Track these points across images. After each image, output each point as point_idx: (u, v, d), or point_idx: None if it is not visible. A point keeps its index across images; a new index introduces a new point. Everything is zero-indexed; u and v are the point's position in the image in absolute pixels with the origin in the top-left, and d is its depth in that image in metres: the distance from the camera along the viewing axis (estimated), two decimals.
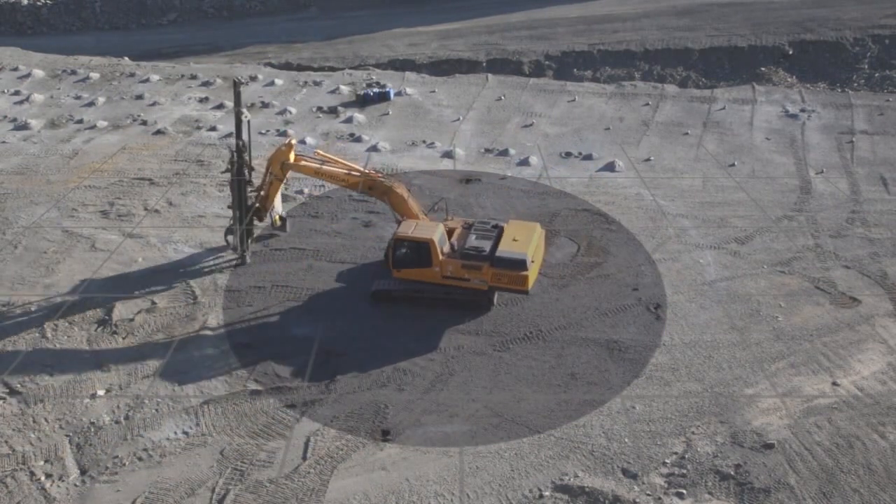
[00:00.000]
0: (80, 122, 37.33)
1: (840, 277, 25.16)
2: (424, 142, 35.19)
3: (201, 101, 39.82)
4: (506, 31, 49.79)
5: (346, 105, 39.21)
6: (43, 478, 17.77)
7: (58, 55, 46.50)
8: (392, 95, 39.78)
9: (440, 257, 22.82)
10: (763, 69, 44.91)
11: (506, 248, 22.61)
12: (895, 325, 22.92)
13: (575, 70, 45.74)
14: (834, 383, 20.61)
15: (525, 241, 22.98)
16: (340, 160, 25.90)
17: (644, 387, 20.45)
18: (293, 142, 25.51)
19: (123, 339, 22.32)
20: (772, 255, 26.35)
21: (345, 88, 41.12)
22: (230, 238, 26.13)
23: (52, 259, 25.95)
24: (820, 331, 22.66)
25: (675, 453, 18.35)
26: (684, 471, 17.88)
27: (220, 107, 38.88)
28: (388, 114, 38.26)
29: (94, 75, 43.18)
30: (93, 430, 19.09)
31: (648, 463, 18.08)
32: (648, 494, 17.28)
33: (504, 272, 22.36)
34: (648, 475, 17.76)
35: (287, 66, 46.20)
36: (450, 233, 23.93)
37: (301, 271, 25.39)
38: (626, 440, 18.71)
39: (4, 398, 20.05)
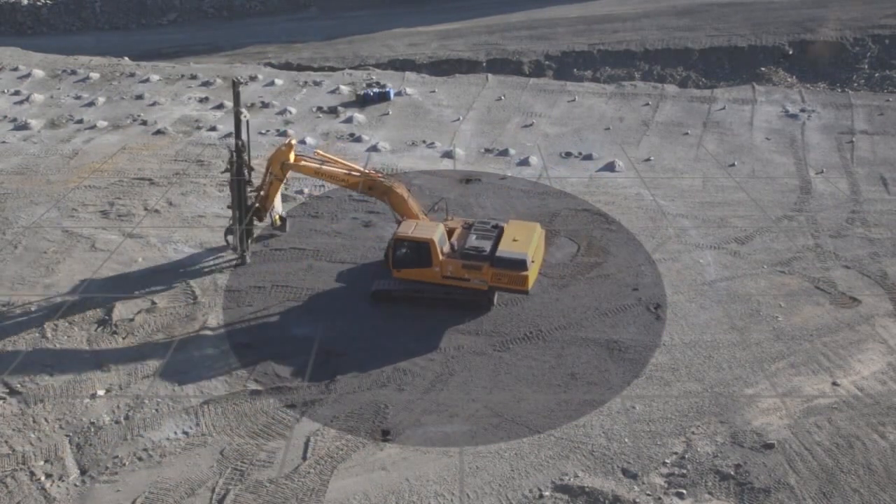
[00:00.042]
0: (80, 122, 37.33)
1: (840, 277, 25.16)
2: (424, 142, 35.19)
3: (201, 101, 39.82)
4: (506, 31, 49.80)
5: (346, 105, 39.21)
6: (43, 478, 17.77)
7: (58, 55, 46.51)
8: (392, 95, 39.78)
9: (440, 257, 22.82)
10: (763, 69, 44.92)
11: (506, 248, 22.61)
12: (895, 325, 22.92)
13: (575, 70, 45.74)
14: (834, 383, 20.61)
15: (525, 241, 22.98)
16: (340, 160, 25.90)
17: (644, 387, 20.45)
18: (293, 142, 25.51)
19: (123, 339, 22.32)
20: (772, 255, 26.35)
21: (345, 88, 41.12)
22: (230, 238, 26.13)
23: (52, 259, 25.95)
24: (820, 331, 22.66)
25: (675, 453, 18.35)
26: (684, 471, 17.88)
27: (220, 107, 38.89)
28: (388, 114, 38.26)
29: (94, 75, 43.19)
30: (93, 430, 19.09)
31: (648, 463, 18.08)
32: (648, 494, 17.28)
33: (504, 272, 22.36)
34: (648, 475, 17.76)
35: (287, 66, 46.21)
36: (450, 233, 23.93)
37: (301, 271, 25.39)
38: (626, 440, 18.72)
39: (4, 398, 20.04)
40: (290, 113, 38.27)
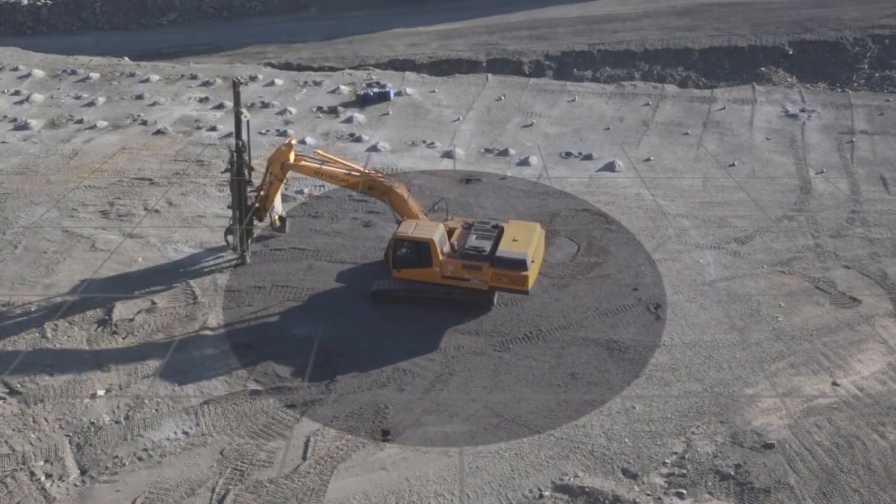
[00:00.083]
0: (80, 122, 37.34)
1: (840, 277, 25.16)
2: (424, 142, 35.19)
3: (201, 101, 39.83)
4: (506, 31, 49.80)
5: (346, 105, 39.21)
6: (43, 478, 17.77)
7: (58, 55, 46.51)
8: (392, 95, 39.78)
9: (440, 257, 22.82)
10: (763, 69, 44.91)
11: (506, 248, 22.61)
12: (895, 325, 22.92)
13: (575, 70, 45.74)
14: (834, 383, 20.61)
15: (525, 241, 22.98)
16: (340, 160, 25.90)
17: (644, 387, 20.45)
18: (293, 142, 25.51)
19: (123, 339, 22.32)
20: (772, 255, 26.35)
21: (345, 88, 41.12)
22: (230, 238, 26.13)
23: (52, 259, 25.95)
24: (820, 331, 22.66)
25: (675, 453, 18.35)
26: (684, 471, 17.88)
27: (220, 107, 38.89)
28: (388, 114, 38.26)
29: (94, 75, 43.19)
30: (93, 430, 19.09)
31: (648, 463, 18.08)
32: (648, 494, 17.28)
33: (504, 272, 22.36)
34: (648, 475, 17.76)
35: (287, 66, 46.21)
36: (450, 233, 23.93)
37: (301, 271, 25.39)
38: (626, 440, 18.72)
39: (4, 398, 20.05)
40: (290, 113, 38.27)
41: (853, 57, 45.51)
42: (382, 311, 23.55)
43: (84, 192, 30.45)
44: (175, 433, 19.00)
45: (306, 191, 30.33)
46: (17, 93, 40.97)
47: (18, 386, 20.44)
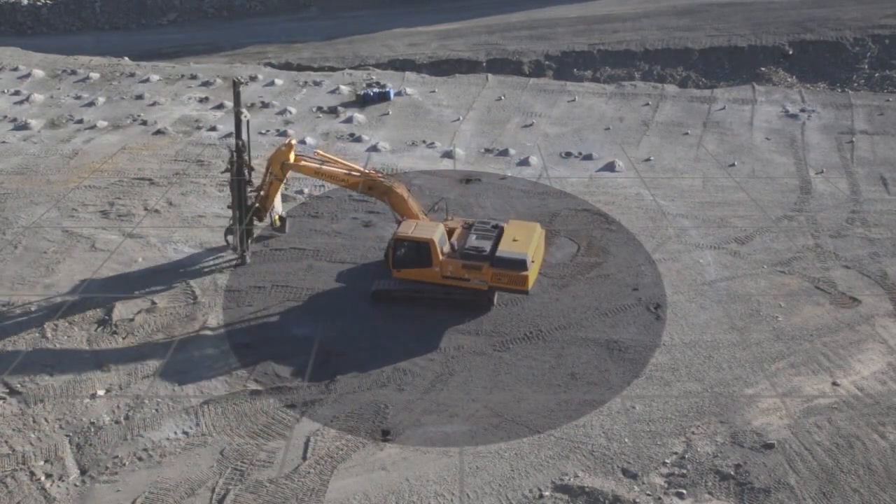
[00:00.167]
0: (80, 122, 37.34)
1: (840, 277, 25.16)
2: (424, 142, 35.19)
3: (201, 101, 39.83)
4: (506, 31, 49.80)
5: (346, 105, 39.21)
6: (43, 478, 17.77)
7: (58, 55, 46.51)
8: (392, 95, 39.78)
9: (440, 257, 22.82)
10: (763, 69, 44.91)
11: (506, 248, 22.61)
12: (895, 325, 22.92)
13: (575, 70, 45.74)
14: (834, 383, 20.61)
15: (525, 241, 22.98)
16: (340, 160, 25.90)
17: (644, 387, 20.45)
18: (293, 142, 25.51)
19: (123, 339, 22.32)
20: (772, 255, 26.35)
21: (345, 88, 41.12)
22: (230, 238, 26.13)
23: (52, 259, 25.95)
24: (820, 331, 22.67)
25: (675, 453, 18.35)
26: (684, 471, 17.88)
27: (220, 107, 38.89)
28: (388, 114, 38.26)
29: (94, 75, 43.19)
30: (93, 430, 19.09)
31: (648, 463, 18.08)
32: (648, 494, 17.28)
33: (504, 272, 22.36)
34: (648, 475, 17.76)
35: (287, 66, 46.21)
36: (450, 233, 23.93)
37: (301, 271, 25.39)
38: (626, 440, 18.71)
39: (4, 398, 20.05)
40: (290, 113, 38.27)
41: (853, 57, 45.52)
42: (382, 311, 23.55)
43: (84, 192, 30.46)
44: (175, 433, 19.00)
45: (306, 191, 30.33)
46: (17, 93, 40.97)
47: (18, 386, 20.44)
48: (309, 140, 35.02)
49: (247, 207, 25.34)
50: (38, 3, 55.22)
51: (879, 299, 24.09)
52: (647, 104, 39.16)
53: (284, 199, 28.48)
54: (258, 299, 23.98)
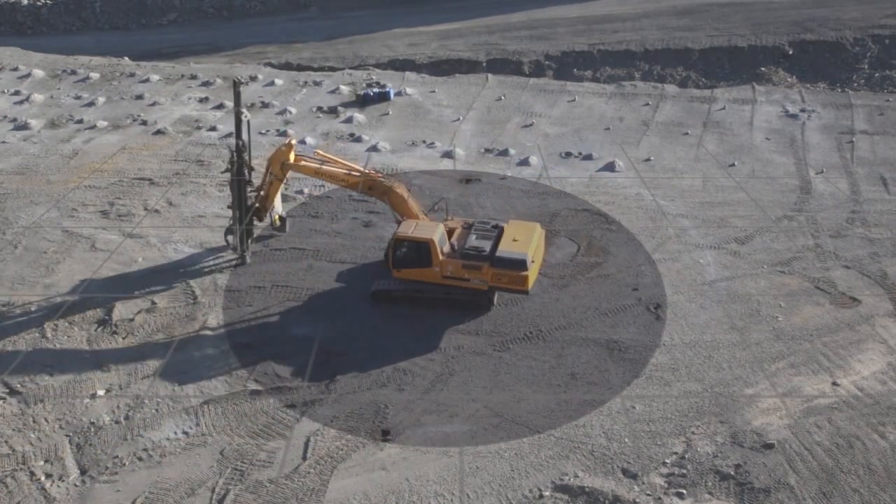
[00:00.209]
0: (80, 122, 37.34)
1: (840, 277, 25.16)
2: (424, 142, 35.20)
3: (201, 101, 39.83)
4: (506, 31, 49.80)
5: (346, 105, 39.21)
6: (43, 478, 17.77)
7: (58, 55, 46.51)
8: (392, 95, 39.78)
9: (440, 257, 22.82)
10: (763, 69, 44.91)
11: (506, 248, 22.61)
12: (895, 325, 22.92)
13: (575, 70, 45.74)
14: (834, 383, 20.61)
15: (525, 241, 22.98)
16: (340, 160, 25.90)
17: (644, 387, 20.45)
18: (293, 142, 25.51)
19: (123, 339, 22.32)
20: (772, 255, 26.35)
21: (345, 88, 41.12)
22: (230, 238, 26.13)
23: (52, 259, 25.95)
24: (820, 331, 22.67)
25: (675, 453, 18.35)
26: (684, 471, 17.88)
27: (220, 107, 38.89)
28: (388, 114, 38.26)
29: (94, 75, 43.19)
30: (93, 430, 19.09)
31: (648, 463, 18.09)
32: (648, 494, 17.28)
33: (504, 272, 22.36)
34: (648, 475, 17.76)
35: (287, 66, 46.21)
36: (450, 233, 23.93)
37: (301, 271, 25.39)
38: (626, 440, 18.71)
39: (4, 398, 20.05)
40: (290, 113, 38.28)
41: (853, 57, 45.52)
42: (382, 311, 23.55)
43: (84, 192, 30.46)
44: (175, 433, 19.00)
45: (306, 191, 30.33)
46: (17, 93, 40.97)
47: (18, 386, 20.44)
48: (309, 140, 35.03)
49: (247, 207, 25.34)
50: (38, 3, 55.22)
51: (879, 299, 24.09)
52: (647, 104, 39.16)
53: (284, 199, 28.49)
54: (258, 299, 23.98)
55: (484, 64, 45.89)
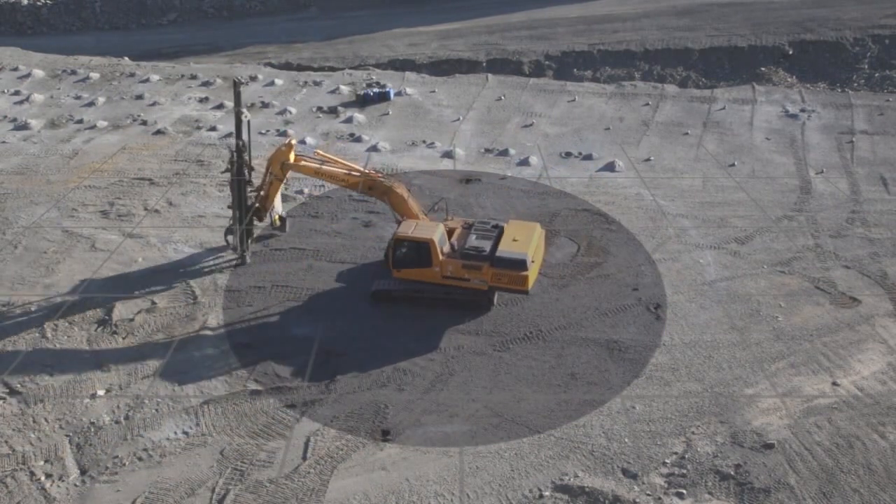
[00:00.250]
0: (80, 122, 37.34)
1: (840, 277, 25.16)
2: (424, 142, 35.19)
3: (201, 101, 39.83)
4: (506, 31, 49.80)
5: (346, 105, 39.21)
6: (43, 478, 17.77)
7: (58, 55, 46.51)
8: (392, 95, 39.78)
9: (440, 257, 22.82)
10: (763, 69, 44.91)
11: (506, 248, 22.61)
12: (895, 325, 22.92)
13: (575, 70, 45.74)
14: (834, 383, 20.61)
15: (525, 241, 22.98)
16: (340, 160, 25.90)
17: (644, 387, 20.45)
18: (293, 142, 25.51)
19: (123, 339, 22.32)
20: (772, 255, 26.35)
21: (345, 88, 41.12)
22: (230, 238, 26.13)
23: (52, 259, 25.95)
24: (820, 331, 22.66)
25: (675, 453, 18.35)
26: (684, 471, 17.88)
27: (220, 107, 38.89)
28: (388, 114, 38.26)
29: (94, 75, 43.19)
30: (93, 430, 19.09)
31: (648, 463, 18.09)
32: (648, 494, 17.28)
33: (504, 272, 22.36)
34: (648, 475, 17.76)
35: (287, 66, 46.21)
36: (450, 233, 23.93)
37: (301, 271, 25.39)
38: (626, 440, 18.71)
39: (4, 398, 20.05)
40: (290, 113, 38.28)
41: (853, 57, 45.52)
42: (382, 311, 23.55)
43: (84, 192, 30.46)
44: (175, 433, 19.00)
45: (306, 191, 30.33)
46: (17, 93, 40.97)
47: (18, 386, 20.44)
48: (309, 140, 35.03)
49: (247, 207, 25.35)
50: (38, 3, 55.22)
51: (879, 299, 24.09)
52: (647, 104, 39.16)
53: (284, 199, 28.49)
54: (258, 299, 23.98)
55: (484, 64, 45.89)
